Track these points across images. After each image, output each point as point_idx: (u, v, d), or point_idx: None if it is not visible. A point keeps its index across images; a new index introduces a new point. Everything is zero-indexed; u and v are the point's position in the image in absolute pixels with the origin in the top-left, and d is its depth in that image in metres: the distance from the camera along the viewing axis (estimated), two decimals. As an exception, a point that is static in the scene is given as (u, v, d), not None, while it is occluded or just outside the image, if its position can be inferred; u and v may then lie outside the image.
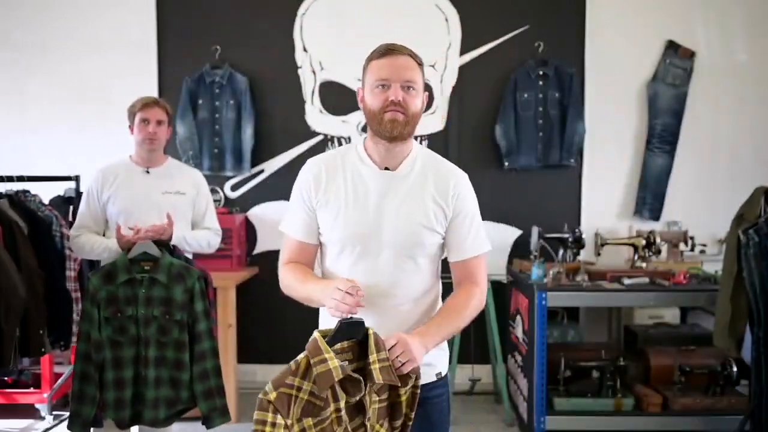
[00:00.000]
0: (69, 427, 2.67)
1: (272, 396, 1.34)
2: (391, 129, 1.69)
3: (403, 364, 1.52)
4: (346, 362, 1.45)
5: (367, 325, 1.54)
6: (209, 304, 2.78)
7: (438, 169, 1.81)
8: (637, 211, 4.34)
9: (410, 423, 1.59)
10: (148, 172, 2.97)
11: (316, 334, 1.46)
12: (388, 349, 1.50)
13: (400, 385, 1.53)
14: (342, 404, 1.44)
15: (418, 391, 1.58)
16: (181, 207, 2.97)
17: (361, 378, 1.45)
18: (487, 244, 1.82)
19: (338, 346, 1.47)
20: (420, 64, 1.75)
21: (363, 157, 1.78)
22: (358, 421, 1.48)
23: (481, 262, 1.81)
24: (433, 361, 1.76)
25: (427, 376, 1.72)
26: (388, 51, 1.72)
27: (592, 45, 4.29)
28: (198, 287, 2.69)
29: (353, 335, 1.49)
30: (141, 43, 4.34)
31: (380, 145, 1.75)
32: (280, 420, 1.33)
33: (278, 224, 1.88)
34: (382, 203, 1.73)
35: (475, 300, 1.77)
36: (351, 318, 1.50)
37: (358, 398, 1.45)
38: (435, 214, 1.75)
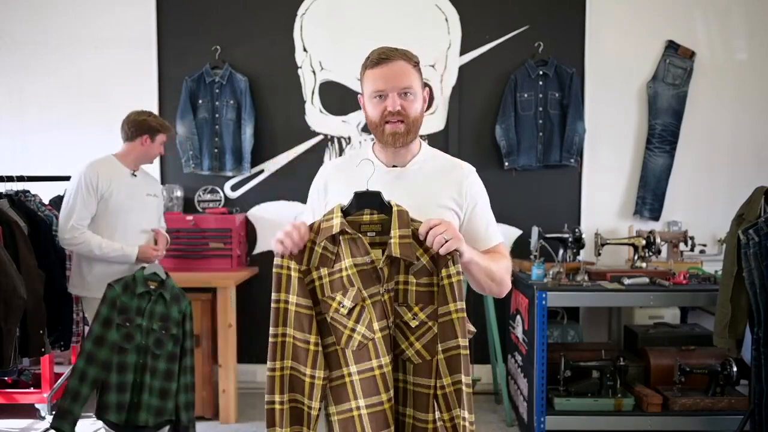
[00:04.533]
0: (56, 426, 2.76)
1: None
2: (393, 141, 1.70)
3: (447, 241, 1.48)
4: (374, 233, 1.59)
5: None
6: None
7: (449, 163, 1.82)
8: (637, 211, 4.34)
9: (462, 314, 1.52)
10: (135, 175, 3.17)
11: (336, 204, 1.60)
12: (431, 227, 1.51)
13: (415, 262, 1.54)
14: (346, 263, 1.54)
15: (462, 278, 1.54)
16: (159, 208, 3.29)
17: (360, 236, 1.55)
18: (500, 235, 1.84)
19: (367, 218, 1.59)
20: (416, 64, 1.72)
21: (371, 158, 1.78)
22: (374, 289, 1.54)
23: (502, 246, 1.81)
24: None
25: None
26: (380, 60, 1.68)
27: (592, 45, 4.29)
28: (189, 310, 3.10)
29: (369, 205, 1.59)
30: (141, 43, 4.34)
31: (387, 149, 1.76)
32: (294, 265, 1.55)
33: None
34: (389, 196, 1.70)
35: (505, 262, 1.75)
36: (366, 190, 1.59)
37: (366, 261, 1.53)
38: (448, 206, 1.73)
